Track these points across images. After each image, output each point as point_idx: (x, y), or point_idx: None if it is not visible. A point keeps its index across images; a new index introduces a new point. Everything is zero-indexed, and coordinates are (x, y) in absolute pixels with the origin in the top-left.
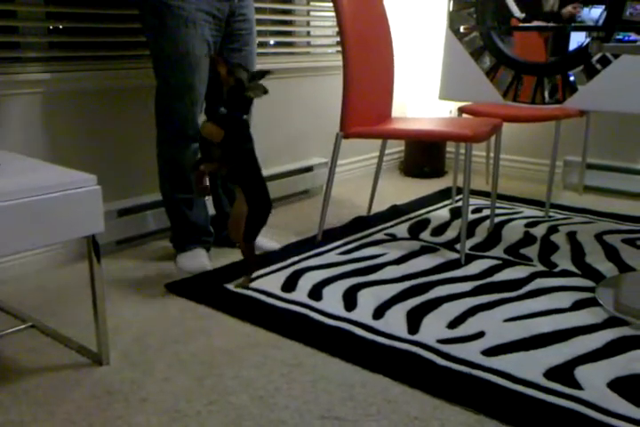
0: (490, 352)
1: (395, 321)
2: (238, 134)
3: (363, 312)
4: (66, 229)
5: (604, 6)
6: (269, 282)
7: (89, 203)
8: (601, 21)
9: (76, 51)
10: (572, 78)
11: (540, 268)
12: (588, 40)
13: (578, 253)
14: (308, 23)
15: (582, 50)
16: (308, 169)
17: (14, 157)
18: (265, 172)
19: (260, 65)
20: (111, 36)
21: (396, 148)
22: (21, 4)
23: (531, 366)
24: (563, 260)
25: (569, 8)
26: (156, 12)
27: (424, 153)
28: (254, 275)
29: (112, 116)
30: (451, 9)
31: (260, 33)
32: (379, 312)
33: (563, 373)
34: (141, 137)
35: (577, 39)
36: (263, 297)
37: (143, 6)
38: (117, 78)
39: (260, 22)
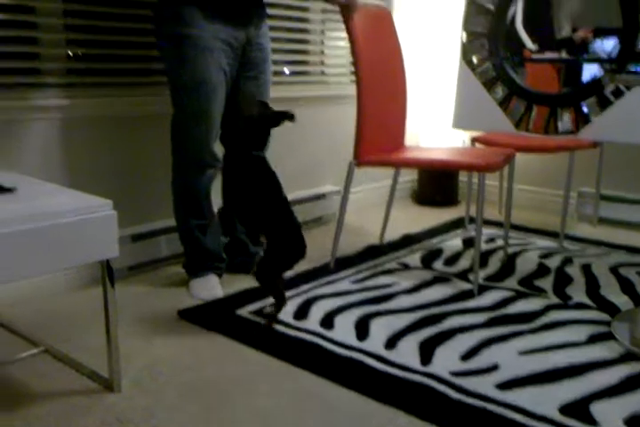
0: (504, 386)
1: (407, 352)
2: (253, 171)
3: (375, 342)
4: (81, 253)
5: (616, 38)
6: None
7: (104, 228)
8: (614, 53)
9: (94, 77)
10: (585, 109)
11: (555, 300)
12: (601, 71)
13: (593, 285)
14: (322, 52)
15: (595, 81)
16: (321, 197)
17: (31, 182)
18: None
19: (274, 93)
20: (129, 62)
21: (409, 176)
22: (42, 30)
23: (546, 401)
24: (577, 292)
25: (580, 33)
26: (174, 41)
27: (437, 182)
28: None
29: (128, 142)
30: (464, 40)
31: (276, 62)
32: (391, 342)
33: (578, 408)
34: (157, 163)
35: (590, 70)
36: (275, 325)
37: (161, 34)
38: (134, 105)
39: (275, 51)
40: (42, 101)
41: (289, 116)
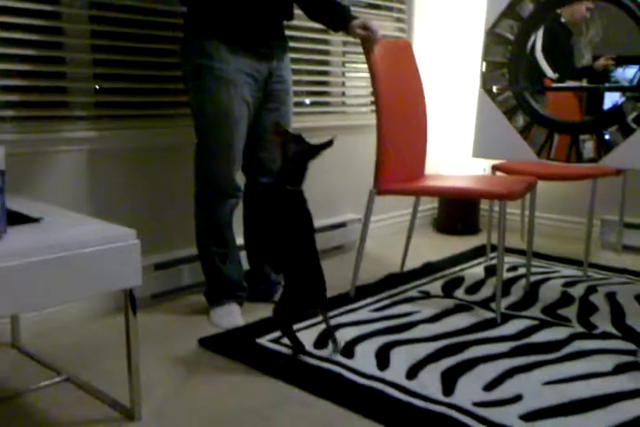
0: (528, 417)
1: (429, 382)
2: (288, 207)
3: (396, 372)
4: (105, 282)
5: (638, 66)
6: (301, 338)
7: (128, 257)
8: (635, 81)
9: (120, 110)
10: (607, 137)
11: (579, 329)
12: (622, 99)
13: (618, 314)
14: (343, 83)
15: (617, 109)
16: (342, 225)
17: (57, 212)
18: None
19: (296, 124)
20: (154, 95)
21: (430, 204)
22: (70, 65)
23: None
24: (602, 321)
25: (601, 61)
26: (199, 74)
27: (458, 210)
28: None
29: (152, 172)
30: (483, 70)
31: (297, 93)
32: (412, 372)
33: None
34: (180, 192)
35: (612, 98)
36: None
37: (186, 68)
38: (159, 136)
39: (296, 83)
40: (70, 134)
41: (327, 145)
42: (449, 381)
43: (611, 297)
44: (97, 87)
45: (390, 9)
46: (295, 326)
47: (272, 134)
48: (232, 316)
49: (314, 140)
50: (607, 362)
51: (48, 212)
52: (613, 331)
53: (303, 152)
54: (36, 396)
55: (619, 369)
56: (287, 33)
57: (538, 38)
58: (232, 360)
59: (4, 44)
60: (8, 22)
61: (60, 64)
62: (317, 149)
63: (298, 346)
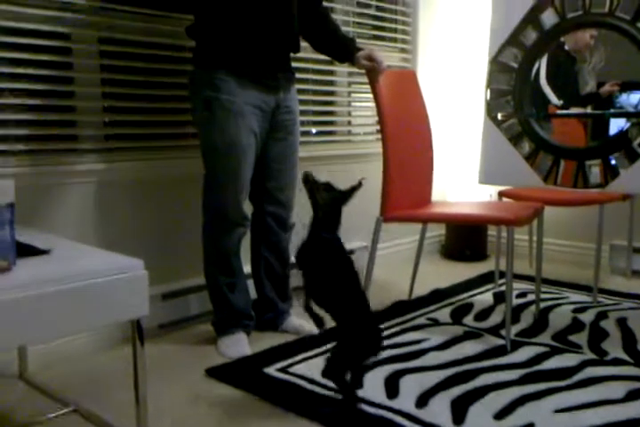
0: None
1: (439, 410)
2: (325, 255)
3: (405, 400)
4: (112, 312)
5: None
6: (310, 367)
7: (135, 287)
8: None
9: (129, 142)
10: (613, 162)
11: (590, 356)
12: (628, 125)
13: (629, 340)
14: (349, 113)
15: (622, 134)
16: (349, 252)
17: (65, 243)
18: None
19: (302, 153)
20: (163, 127)
21: (437, 231)
22: (81, 99)
23: None
24: (614, 347)
25: (607, 87)
26: (207, 105)
27: (465, 236)
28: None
29: (160, 203)
30: (488, 98)
31: (303, 123)
32: (422, 400)
33: None
34: (188, 223)
35: (617, 124)
36: (304, 383)
37: (195, 100)
38: (167, 167)
39: (303, 113)
40: (79, 166)
41: (356, 189)
42: (459, 409)
43: (621, 323)
44: (106, 120)
45: (395, 40)
46: (301, 356)
47: (302, 184)
48: (239, 345)
49: (323, 172)
50: (619, 389)
51: (57, 243)
52: (625, 357)
53: (334, 199)
54: None
55: (631, 396)
56: (294, 64)
57: (542, 66)
58: (239, 389)
59: (15, 80)
60: (19, 58)
61: (70, 98)
62: (348, 195)
63: (351, 397)
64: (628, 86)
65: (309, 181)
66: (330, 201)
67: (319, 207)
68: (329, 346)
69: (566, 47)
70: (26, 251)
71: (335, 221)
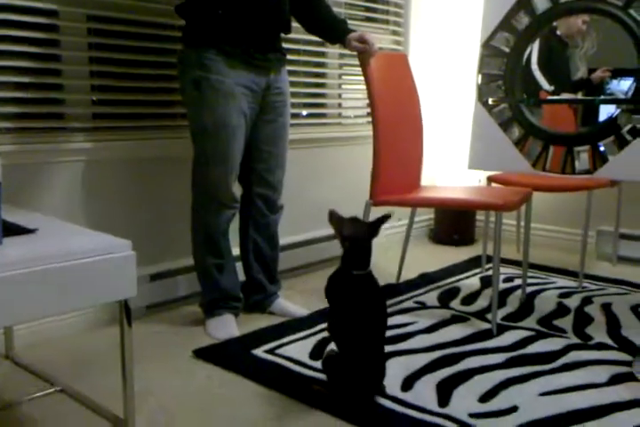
0: None
1: (424, 393)
2: (357, 292)
3: (391, 383)
4: (99, 293)
5: (633, 78)
6: (297, 349)
7: (123, 268)
8: (630, 93)
9: (117, 121)
10: (602, 149)
11: (575, 340)
12: (617, 111)
13: (613, 325)
14: (339, 95)
15: (612, 121)
16: None
17: (53, 222)
18: (294, 238)
19: (292, 135)
20: (151, 107)
21: (426, 215)
22: (68, 77)
23: None
24: (598, 332)
25: (598, 73)
26: (197, 85)
27: (454, 221)
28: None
29: (149, 183)
30: (479, 82)
31: (294, 105)
32: (408, 383)
33: None
34: (176, 203)
35: (607, 110)
36: (291, 365)
37: (184, 79)
38: (156, 147)
39: (293, 95)
40: (67, 145)
41: (384, 220)
42: (444, 392)
43: (606, 308)
44: (94, 99)
45: (387, 22)
46: (289, 338)
47: (328, 222)
48: (227, 327)
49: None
50: (603, 373)
51: (44, 223)
52: (609, 342)
53: (360, 235)
54: (30, 407)
55: (614, 380)
56: (285, 45)
57: (534, 51)
58: (227, 371)
59: (1, 57)
60: (5, 35)
61: (57, 76)
62: (375, 227)
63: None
64: (619, 73)
65: (335, 219)
66: (357, 236)
67: (347, 243)
68: (316, 328)
69: (558, 32)
70: (12, 230)
71: (365, 256)
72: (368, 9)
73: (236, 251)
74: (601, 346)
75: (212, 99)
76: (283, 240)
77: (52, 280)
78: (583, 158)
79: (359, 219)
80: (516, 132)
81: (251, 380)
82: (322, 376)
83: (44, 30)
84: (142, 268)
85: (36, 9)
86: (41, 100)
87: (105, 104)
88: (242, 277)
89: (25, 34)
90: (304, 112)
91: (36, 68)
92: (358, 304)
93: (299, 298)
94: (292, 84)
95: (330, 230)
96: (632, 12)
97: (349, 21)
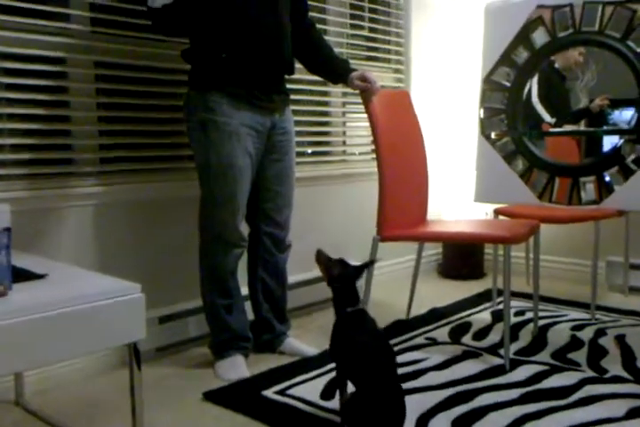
0: None
1: None
2: (347, 330)
3: (405, 421)
4: (109, 336)
5: (634, 109)
6: (308, 389)
7: (132, 311)
8: (632, 123)
9: (125, 164)
10: (607, 179)
11: (590, 373)
12: (621, 141)
13: (628, 357)
14: (343, 133)
15: (616, 151)
16: None
17: (63, 267)
18: (301, 276)
19: (298, 173)
20: (158, 150)
21: (434, 250)
22: (76, 123)
23: None
24: (613, 365)
25: (597, 101)
26: (203, 127)
27: (462, 255)
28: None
29: (157, 226)
30: (482, 116)
31: (299, 143)
32: (422, 422)
33: None
34: (184, 245)
35: (611, 140)
36: (301, 405)
37: (190, 122)
38: (163, 189)
39: (298, 133)
40: (76, 190)
41: (369, 264)
42: None
43: (620, 340)
44: (102, 143)
45: (388, 61)
46: (299, 378)
47: (315, 262)
48: (237, 368)
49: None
50: (620, 407)
51: (53, 268)
52: (625, 374)
53: (348, 274)
54: None
55: (632, 414)
56: (288, 86)
57: (533, 84)
58: (237, 413)
59: (11, 104)
60: (15, 83)
61: (66, 122)
62: (361, 270)
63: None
64: (620, 103)
65: (323, 260)
66: (344, 277)
67: (334, 283)
68: (326, 368)
69: (556, 65)
70: (22, 275)
71: (353, 294)
72: (370, 48)
73: (244, 290)
74: (617, 379)
75: (218, 140)
76: (291, 278)
77: (62, 325)
78: (589, 189)
79: (346, 261)
80: (521, 164)
81: (261, 422)
82: (333, 418)
83: (53, 77)
84: (151, 310)
85: (44, 57)
86: (50, 147)
87: (112, 148)
88: (251, 316)
89: (34, 82)
90: (309, 150)
91: (45, 115)
92: (361, 337)
93: (308, 337)
94: (297, 123)
95: None
96: (630, 43)
97: (351, 61)
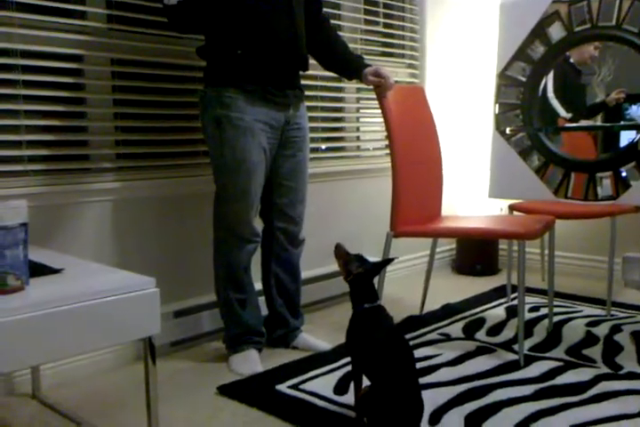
0: None
1: None
2: (364, 327)
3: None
4: (124, 331)
5: None
6: (321, 384)
7: (147, 305)
8: None
9: (141, 161)
10: (624, 174)
11: (605, 370)
12: (638, 136)
13: None
14: (357, 128)
15: (633, 146)
16: None
17: (79, 262)
18: (315, 272)
19: (312, 169)
20: (174, 146)
21: (448, 246)
22: (93, 119)
23: None
24: (628, 361)
25: (613, 95)
26: (218, 123)
27: (476, 251)
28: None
29: (171, 221)
30: (497, 112)
31: (313, 139)
32: (435, 417)
33: None
34: (199, 240)
35: (628, 136)
36: (315, 400)
37: (205, 118)
38: (178, 185)
39: (312, 129)
40: (94, 185)
41: (388, 262)
42: (473, 425)
43: (636, 336)
44: (118, 139)
45: (403, 56)
46: (313, 373)
47: (334, 257)
48: (251, 362)
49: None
50: (635, 403)
51: (70, 263)
52: None
53: (366, 271)
54: None
55: None
56: (303, 82)
57: (549, 80)
58: (251, 407)
59: (28, 101)
60: (32, 80)
61: (82, 118)
62: (379, 266)
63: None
64: (638, 98)
65: (342, 254)
66: (362, 273)
67: (352, 279)
68: (340, 363)
69: (571, 60)
70: (39, 270)
71: (371, 290)
72: (384, 44)
73: (258, 285)
74: (632, 375)
75: (233, 136)
76: (304, 274)
77: (77, 319)
78: (606, 184)
79: (364, 257)
80: (536, 160)
81: (275, 416)
82: (347, 412)
83: (70, 75)
84: (166, 305)
85: (61, 54)
86: (67, 143)
87: (129, 144)
88: (264, 311)
89: (51, 79)
90: (323, 146)
91: (61, 112)
92: (379, 335)
93: (321, 332)
94: (311, 119)
95: None
96: None
97: (366, 56)
